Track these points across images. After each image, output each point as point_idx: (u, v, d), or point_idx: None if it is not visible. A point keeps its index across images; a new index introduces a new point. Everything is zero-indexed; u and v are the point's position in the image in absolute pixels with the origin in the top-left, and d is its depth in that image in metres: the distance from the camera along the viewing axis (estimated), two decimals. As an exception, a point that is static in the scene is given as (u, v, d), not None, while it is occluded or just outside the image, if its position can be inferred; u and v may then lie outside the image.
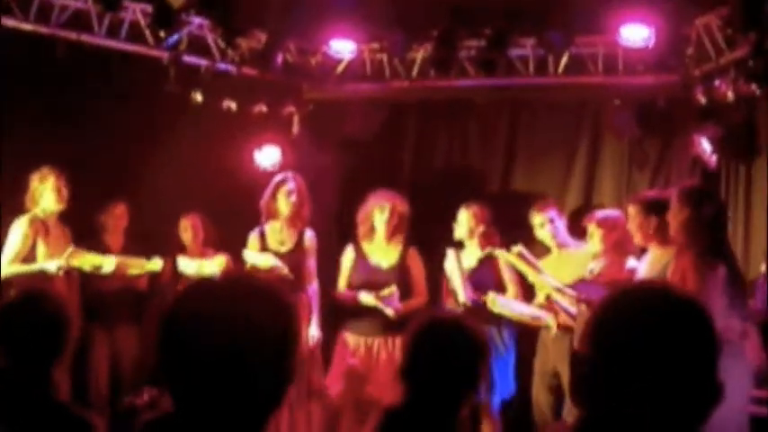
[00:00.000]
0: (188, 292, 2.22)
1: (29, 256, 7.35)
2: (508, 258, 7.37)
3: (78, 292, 7.75)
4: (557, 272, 7.34)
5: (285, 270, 7.51)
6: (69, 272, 7.44)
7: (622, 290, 2.10)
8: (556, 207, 8.00)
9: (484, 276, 7.62)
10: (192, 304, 2.15)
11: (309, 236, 7.82)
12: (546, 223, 7.80)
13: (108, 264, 7.60)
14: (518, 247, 7.29)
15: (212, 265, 8.03)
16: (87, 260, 7.52)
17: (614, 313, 2.01)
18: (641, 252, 6.83)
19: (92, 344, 7.91)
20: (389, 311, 7.38)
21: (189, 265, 8.09)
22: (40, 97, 7.89)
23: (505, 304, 7.43)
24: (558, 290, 7.11)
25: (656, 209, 6.28)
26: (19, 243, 7.33)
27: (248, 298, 2.14)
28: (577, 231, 7.75)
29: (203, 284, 2.34)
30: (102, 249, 7.83)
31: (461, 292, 7.51)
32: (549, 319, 7.36)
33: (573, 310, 7.11)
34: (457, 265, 7.61)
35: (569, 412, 7.06)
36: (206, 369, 2.06)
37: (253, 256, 7.60)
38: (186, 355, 2.08)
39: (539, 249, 7.95)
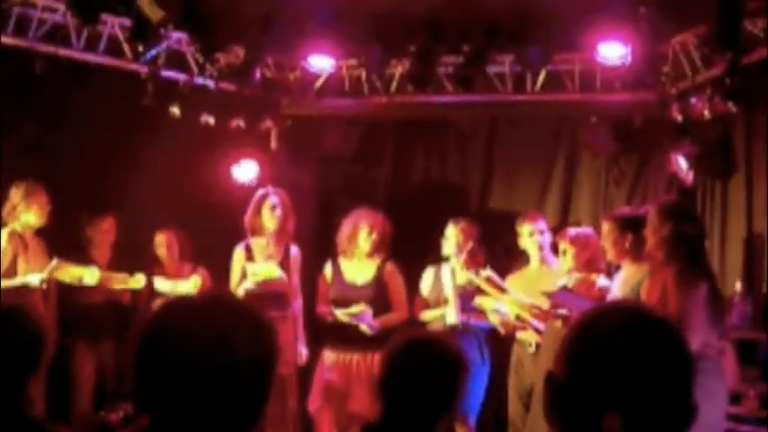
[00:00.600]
0: (165, 309, 2.22)
1: (9, 271, 7.31)
2: (476, 282, 7.39)
3: (56, 306, 7.68)
4: (532, 285, 7.34)
5: (285, 280, 7.52)
6: (48, 286, 7.40)
7: (597, 310, 2.11)
8: (545, 220, 8.01)
9: (470, 296, 7.60)
10: (168, 322, 2.14)
11: (294, 252, 7.81)
12: (535, 233, 7.79)
13: (90, 275, 7.56)
14: (486, 272, 7.31)
15: (187, 285, 8.02)
16: (70, 272, 7.48)
17: (589, 333, 2.02)
18: (614, 270, 6.84)
19: (75, 358, 7.86)
20: (364, 328, 7.37)
21: (164, 285, 8.07)
22: (18, 110, 7.84)
23: (498, 306, 7.40)
24: (531, 306, 7.13)
25: (631, 226, 6.27)
26: (-1, 259, 7.30)
27: (225, 317, 2.14)
28: (553, 248, 7.75)
29: (180, 302, 2.34)
30: (88, 264, 7.75)
31: (454, 311, 7.52)
32: (530, 333, 7.37)
33: (542, 326, 7.13)
34: (452, 281, 7.63)
35: (534, 424, 7.06)
36: (181, 387, 2.06)
37: (255, 267, 7.57)
38: (162, 372, 2.08)
39: (515, 264, 7.97)
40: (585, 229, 7.43)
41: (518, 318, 7.30)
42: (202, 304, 2.23)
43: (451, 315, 7.57)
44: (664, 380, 1.95)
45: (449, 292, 7.64)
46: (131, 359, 2.12)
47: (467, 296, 7.61)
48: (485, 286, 7.32)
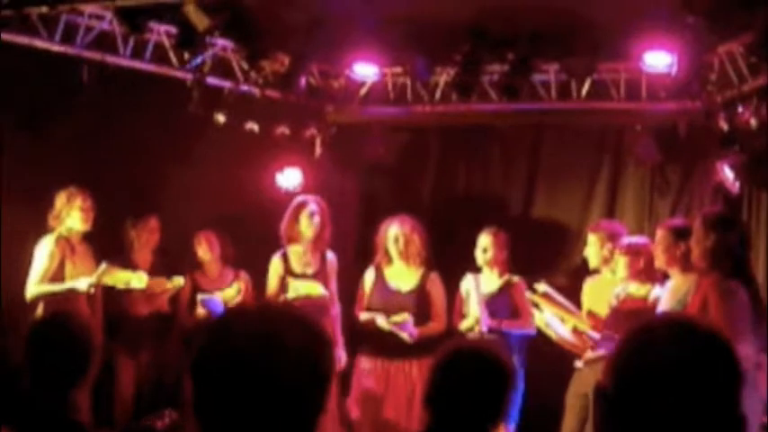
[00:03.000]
0: (224, 319, 2.23)
1: (56, 276, 7.36)
2: (533, 299, 7.35)
3: (102, 313, 7.69)
4: (600, 294, 7.31)
5: (327, 296, 7.55)
6: (94, 292, 7.42)
7: (645, 323, 2.10)
8: (614, 228, 7.88)
9: (501, 304, 7.59)
10: (229, 330, 2.14)
11: (331, 258, 7.85)
12: (593, 244, 7.68)
13: (139, 280, 7.52)
14: (542, 287, 7.28)
15: (229, 293, 8.00)
16: (119, 277, 7.47)
17: (638, 345, 2.01)
18: (665, 279, 6.78)
19: (117, 365, 7.85)
20: (405, 336, 7.38)
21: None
22: (65, 117, 7.90)
23: (551, 322, 7.36)
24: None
25: (685, 236, 6.22)
26: (46, 262, 7.34)
27: (284, 327, 2.14)
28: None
29: (240, 312, 2.35)
30: (129, 266, 7.73)
31: (480, 319, 7.48)
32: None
33: (597, 336, 7.07)
34: (475, 290, 7.60)
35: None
36: (240, 397, 2.06)
37: (298, 285, 7.59)
38: (220, 380, 2.08)
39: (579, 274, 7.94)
40: (639, 238, 7.39)
41: (575, 330, 7.24)
42: (260, 314, 2.24)
43: (479, 323, 7.53)
44: (713, 393, 1.94)
45: (474, 302, 7.61)
46: (190, 366, 2.12)
47: (498, 303, 7.59)
48: (543, 303, 7.30)
